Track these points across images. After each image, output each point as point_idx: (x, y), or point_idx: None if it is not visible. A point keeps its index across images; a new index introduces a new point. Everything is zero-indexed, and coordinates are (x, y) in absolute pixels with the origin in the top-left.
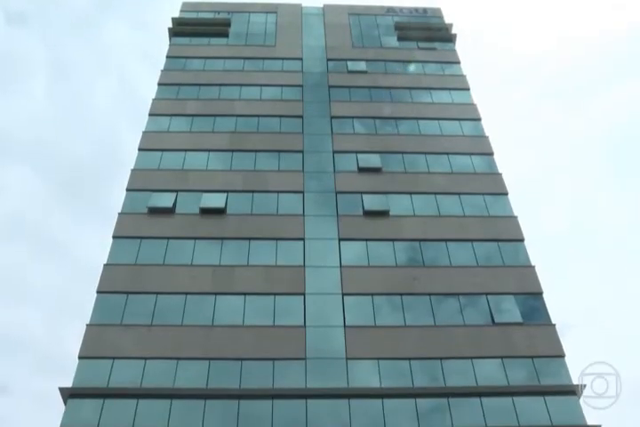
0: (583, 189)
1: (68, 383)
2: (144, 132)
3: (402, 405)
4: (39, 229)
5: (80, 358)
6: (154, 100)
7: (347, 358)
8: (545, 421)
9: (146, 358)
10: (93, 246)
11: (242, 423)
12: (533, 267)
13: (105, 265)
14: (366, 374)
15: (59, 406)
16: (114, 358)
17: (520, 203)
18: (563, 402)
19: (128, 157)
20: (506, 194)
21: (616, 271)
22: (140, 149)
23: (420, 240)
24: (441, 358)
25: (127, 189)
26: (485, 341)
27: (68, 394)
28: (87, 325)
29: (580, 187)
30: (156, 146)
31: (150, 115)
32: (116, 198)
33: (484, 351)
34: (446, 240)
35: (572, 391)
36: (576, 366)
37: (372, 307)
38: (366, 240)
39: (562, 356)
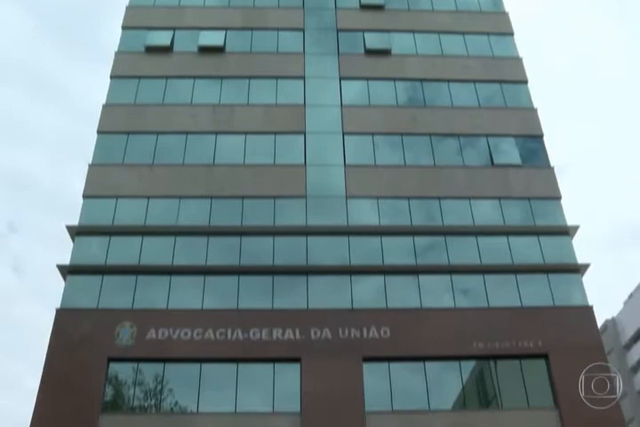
0: (589, 33)
1: (75, 222)
2: None
3: (399, 242)
4: (35, 71)
5: (85, 197)
6: None
7: (346, 197)
8: (538, 259)
9: (149, 197)
10: (91, 87)
11: (244, 259)
12: (535, 109)
13: (104, 106)
14: (365, 212)
15: (66, 244)
16: (117, 197)
17: (525, 45)
18: (556, 242)
19: None
20: (511, 34)
21: (615, 116)
22: None
23: (421, 80)
24: (439, 198)
25: (123, 28)
26: (483, 181)
27: (75, 232)
28: (90, 165)
29: (586, 30)
30: None
31: None
32: (113, 37)
33: (482, 192)
34: (448, 80)
35: (566, 232)
36: (571, 208)
37: (372, 146)
38: (367, 79)
39: (558, 198)
